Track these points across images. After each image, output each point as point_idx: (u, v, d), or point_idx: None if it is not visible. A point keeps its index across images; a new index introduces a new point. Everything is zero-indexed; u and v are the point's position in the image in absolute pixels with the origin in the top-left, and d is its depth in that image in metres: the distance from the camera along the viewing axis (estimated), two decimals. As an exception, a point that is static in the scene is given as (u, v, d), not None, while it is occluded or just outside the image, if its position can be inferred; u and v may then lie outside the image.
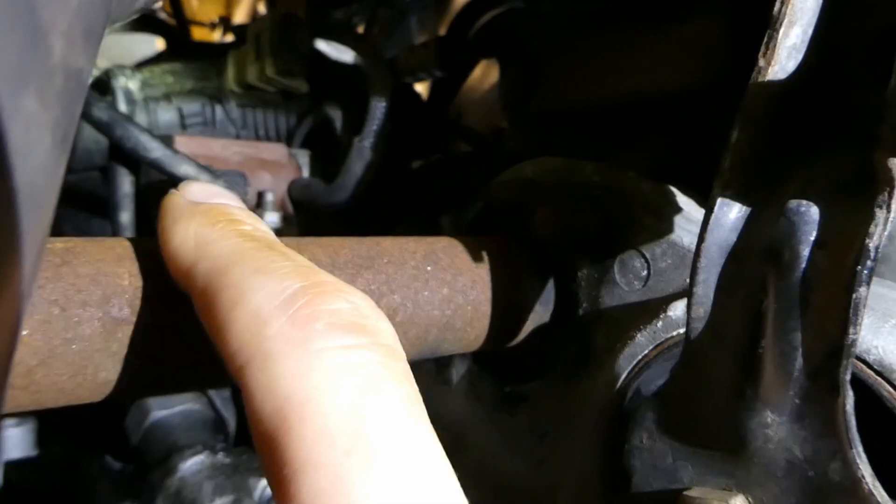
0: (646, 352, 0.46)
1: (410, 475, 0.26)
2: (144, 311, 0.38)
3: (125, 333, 0.38)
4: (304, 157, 0.98)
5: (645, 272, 0.51)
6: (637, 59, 0.82)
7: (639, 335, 0.46)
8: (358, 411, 0.26)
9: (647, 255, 0.50)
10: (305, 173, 0.97)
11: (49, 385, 0.36)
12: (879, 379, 0.36)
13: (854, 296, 0.32)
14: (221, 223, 0.35)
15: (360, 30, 1.33)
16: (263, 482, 0.75)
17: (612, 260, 0.52)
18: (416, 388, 0.29)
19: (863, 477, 0.34)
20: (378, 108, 0.89)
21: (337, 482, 0.25)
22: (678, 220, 0.50)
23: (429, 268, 0.50)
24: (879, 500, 0.34)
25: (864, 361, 0.37)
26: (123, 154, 0.78)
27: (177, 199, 0.37)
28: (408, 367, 0.30)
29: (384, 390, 0.28)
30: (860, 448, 0.34)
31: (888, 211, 0.31)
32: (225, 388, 0.83)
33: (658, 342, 0.46)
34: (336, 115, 0.98)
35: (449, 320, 0.50)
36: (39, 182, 0.18)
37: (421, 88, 1.24)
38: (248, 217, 0.36)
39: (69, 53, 0.19)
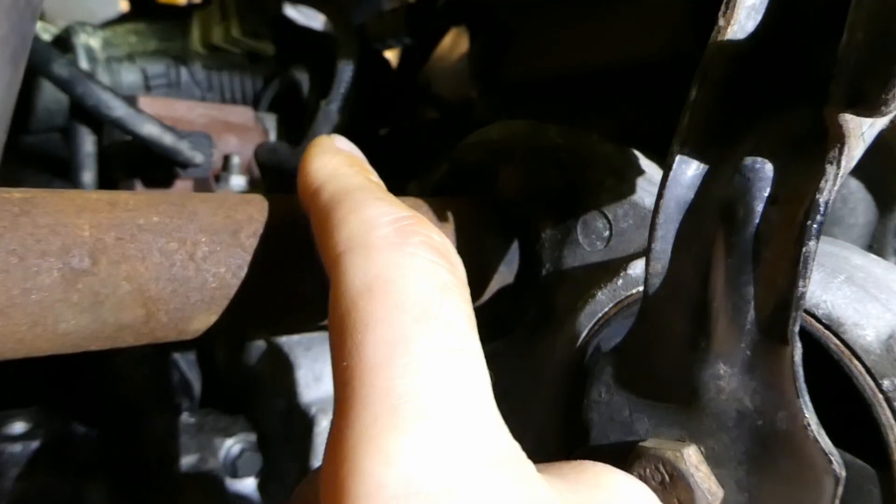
0: (606, 309, 0.47)
1: (459, 351, 0.32)
2: (106, 262, 0.38)
3: (86, 284, 0.37)
4: (270, 121, 0.97)
5: (607, 233, 0.52)
6: (604, 28, 0.82)
7: (599, 293, 0.47)
8: (430, 299, 0.32)
9: (609, 216, 0.51)
10: (272, 137, 0.97)
11: (8, 335, 0.36)
12: (827, 332, 0.38)
13: (804, 249, 0.33)
14: (357, 167, 0.42)
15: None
16: (228, 442, 0.76)
17: (574, 221, 0.53)
18: (473, 315, 0.34)
19: (808, 425, 0.35)
20: (345, 71, 0.88)
21: (402, 336, 0.31)
22: (640, 181, 0.51)
23: (393, 226, 0.50)
24: (824, 446, 0.35)
25: (814, 315, 0.38)
26: (85, 112, 0.76)
27: (327, 140, 0.45)
28: (471, 300, 0.35)
29: (453, 298, 0.34)
30: (807, 397, 0.35)
31: (838, 167, 0.32)
32: (186, 347, 0.83)
33: (618, 300, 0.46)
34: (303, 79, 0.97)
35: (413, 279, 0.51)
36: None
37: (391, 57, 1.23)
38: (376, 175, 0.43)
39: (18, -30, 0.19)
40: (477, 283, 0.56)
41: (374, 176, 0.43)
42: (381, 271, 0.33)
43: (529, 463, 0.31)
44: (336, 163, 0.42)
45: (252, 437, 0.78)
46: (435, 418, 0.29)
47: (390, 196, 0.39)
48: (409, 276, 0.33)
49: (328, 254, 0.36)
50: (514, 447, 0.31)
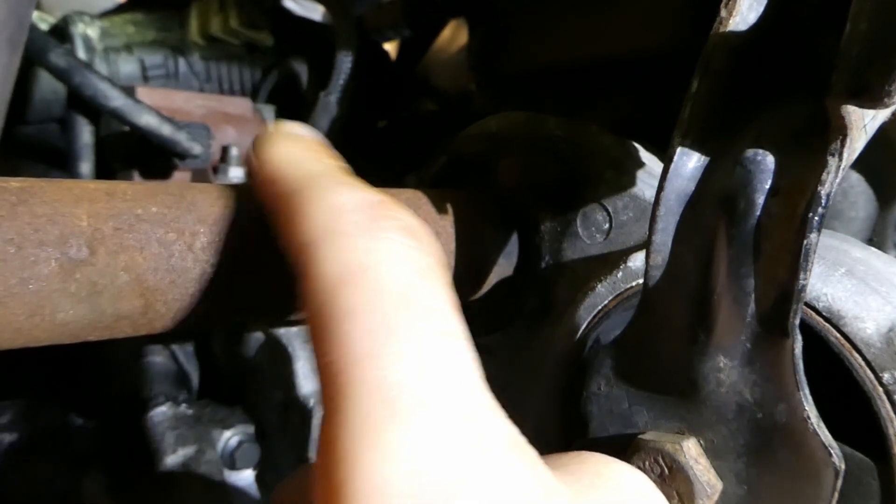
0: (605, 302, 0.47)
1: (446, 335, 0.31)
2: (104, 252, 0.38)
3: (84, 274, 0.37)
4: (269, 112, 0.97)
5: (607, 225, 0.51)
6: (604, 20, 0.82)
7: (599, 286, 0.47)
8: (410, 284, 0.31)
9: (609, 209, 0.51)
10: (270, 128, 0.96)
11: (5, 325, 0.36)
12: (827, 325, 0.38)
13: (805, 242, 0.33)
14: (318, 152, 0.40)
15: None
16: (227, 434, 0.76)
17: (574, 213, 0.53)
18: (456, 299, 0.33)
19: (808, 418, 0.35)
20: (344, 62, 0.88)
21: (385, 324, 0.30)
22: (640, 174, 0.51)
23: (393, 218, 0.50)
24: (823, 439, 0.35)
25: (814, 308, 0.38)
26: (82, 103, 0.76)
27: (284, 126, 0.42)
28: (451, 283, 0.34)
29: (433, 281, 0.32)
30: (807, 390, 0.35)
31: (840, 159, 0.32)
32: (184, 338, 0.82)
33: (618, 292, 0.46)
34: (302, 70, 0.96)
35: (412, 271, 0.50)
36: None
37: (390, 49, 1.23)
38: (341, 158, 0.40)
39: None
40: (476, 275, 0.56)
41: (340, 160, 0.40)
42: (355, 258, 0.31)
43: (532, 448, 0.31)
44: (294, 149, 0.39)
45: (250, 428, 0.78)
46: (432, 407, 0.28)
47: (357, 180, 0.37)
48: (385, 262, 0.32)
49: (292, 245, 0.34)
50: (515, 432, 0.30)
